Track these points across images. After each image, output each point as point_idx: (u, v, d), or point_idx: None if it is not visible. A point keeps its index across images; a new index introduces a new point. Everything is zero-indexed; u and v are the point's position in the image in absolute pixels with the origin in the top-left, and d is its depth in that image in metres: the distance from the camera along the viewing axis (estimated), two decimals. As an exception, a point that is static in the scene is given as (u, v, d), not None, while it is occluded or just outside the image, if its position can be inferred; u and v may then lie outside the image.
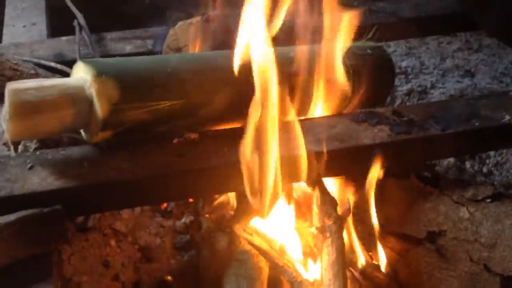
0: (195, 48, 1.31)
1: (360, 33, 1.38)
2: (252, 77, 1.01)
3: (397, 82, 1.70)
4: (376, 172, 1.06)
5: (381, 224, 1.10)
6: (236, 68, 1.05)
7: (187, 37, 1.36)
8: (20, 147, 1.07)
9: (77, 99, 0.97)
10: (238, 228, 1.07)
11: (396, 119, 1.15)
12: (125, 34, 1.53)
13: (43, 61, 1.34)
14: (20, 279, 0.92)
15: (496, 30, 1.68)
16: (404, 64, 1.88)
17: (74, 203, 0.98)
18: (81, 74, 1.01)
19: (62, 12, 1.68)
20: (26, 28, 1.67)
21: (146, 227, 1.30)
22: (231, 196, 1.23)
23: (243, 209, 1.11)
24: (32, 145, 1.07)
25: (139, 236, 1.28)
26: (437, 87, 1.78)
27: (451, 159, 1.42)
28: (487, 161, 1.44)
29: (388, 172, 1.10)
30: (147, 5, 2.18)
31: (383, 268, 1.08)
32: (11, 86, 0.94)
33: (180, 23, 1.40)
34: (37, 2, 1.83)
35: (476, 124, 1.14)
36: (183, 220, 1.34)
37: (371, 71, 1.27)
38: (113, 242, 1.24)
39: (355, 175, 1.15)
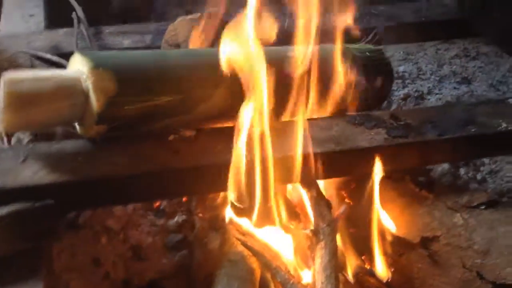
0: (194, 44, 1.30)
1: (359, 36, 1.38)
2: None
3: (394, 86, 1.70)
4: (378, 175, 1.05)
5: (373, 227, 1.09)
6: (226, 66, 1.04)
7: (187, 33, 1.35)
8: (13, 140, 1.06)
9: (73, 91, 0.96)
10: (231, 229, 1.06)
11: (393, 122, 1.15)
12: (123, 28, 1.51)
13: (40, 52, 1.33)
14: (8, 274, 0.91)
15: (495, 38, 1.68)
16: (401, 69, 1.88)
17: (66, 198, 0.97)
18: (78, 66, 1.00)
19: (60, 3, 1.66)
20: (24, 19, 1.65)
21: (138, 225, 1.29)
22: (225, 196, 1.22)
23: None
24: (26, 138, 1.06)
25: (131, 234, 1.27)
26: (433, 93, 1.78)
27: (446, 165, 1.41)
28: (481, 168, 1.43)
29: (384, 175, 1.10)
30: (147, 1, 2.17)
31: (378, 272, 1.07)
32: (7, 77, 0.93)
33: (179, 19, 1.39)
34: (36, -7, 1.81)
35: (473, 130, 1.14)
36: (175, 219, 1.33)
37: (369, 74, 1.27)
38: (104, 240, 1.23)
39: (350, 178, 1.14)
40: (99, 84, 0.96)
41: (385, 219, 1.06)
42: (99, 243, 1.22)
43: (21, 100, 0.92)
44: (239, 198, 0.99)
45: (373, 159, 1.06)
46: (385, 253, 1.05)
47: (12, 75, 0.94)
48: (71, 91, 0.96)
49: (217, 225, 1.23)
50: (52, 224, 0.95)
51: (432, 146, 1.11)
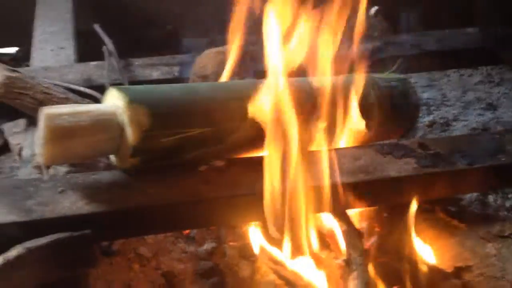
0: (223, 76, 1.33)
1: (383, 65, 1.40)
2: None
3: (419, 113, 1.71)
4: (414, 207, 1.06)
5: (407, 257, 1.09)
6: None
7: (214, 65, 1.38)
8: (51, 171, 1.09)
9: (110, 125, 0.99)
10: (263, 258, 1.07)
11: (422, 152, 1.16)
12: (152, 61, 1.56)
13: (73, 85, 1.37)
14: (49, 303, 0.93)
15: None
16: (426, 95, 1.89)
17: (102, 228, 0.99)
18: (114, 101, 1.03)
19: (88, 36, 1.71)
20: (54, 52, 1.70)
21: (169, 252, 1.31)
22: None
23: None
24: (63, 169, 1.09)
25: (162, 261, 1.28)
26: (459, 119, 1.79)
27: (474, 193, 1.41)
28: (510, 196, 1.43)
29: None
30: (169, 31, 2.22)
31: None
32: (46, 111, 0.96)
33: (207, 51, 1.42)
34: (65, 26, 1.86)
35: (503, 159, 1.14)
36: (205, 246, 1.34)
37: (395, 104, 1.28)
38: (136, 267, 1.25)
39: (381, 207, 1.15)
40: (134, 118, 0.99)
41: (421, 248, 1.06)
42: (132, 270, 1.24)
43: (61, 134, 0.95)
44: (272, 228, 1.01)
45: (403, 188, 1.07)
46: (418, 283, 1.05)
47: (51, 109, 0.97)
48: (107, 125, 0.99)
49: (248, 253, 1.23)
50: (89, 254, 0.97)
51: (462, 176, 1.11)
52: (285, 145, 1.06)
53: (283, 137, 1.06)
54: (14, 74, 1.25)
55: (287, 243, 1.04)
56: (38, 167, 1.10)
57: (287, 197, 1.02)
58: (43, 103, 1.23)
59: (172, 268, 1.26)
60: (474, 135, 1.51)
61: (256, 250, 1.12)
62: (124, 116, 1.00)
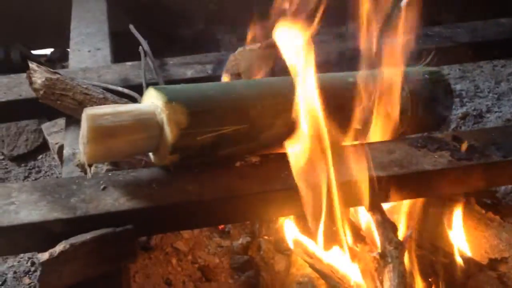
0: (256, 73, 1.35)
1: (417, 58, 1.40)
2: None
3: (451, 105, 1.70)
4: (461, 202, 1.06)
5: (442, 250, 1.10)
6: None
7: (247, 62, 1.40)
8: (92, 169, 1.13)
9: (149, 124, 1.03)
10: (298, 251, 1.09)
11: (456, 145, 1.15)
12: (186, 60, 1.58)
13: (111, 85, 1.40)
14: (93, 296, 0.97)
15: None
16: (458, 87, 1.88)
17: (143, 223, 1.03)
18: (152, 100, 1.07)
19: (123, 37, 1.75)
20: (91, 53, 1.74)
21: (205, 246, 1.34)
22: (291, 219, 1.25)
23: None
24: (104, 167, 1.13)
25: (199, 256, 1.32)
26: (492, 111, 1.77)
27: (509, 185, 1.40)
28: (545, 187, 1.41)
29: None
30: (201, 29, 2.25)
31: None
32: (89, 112, 1.00)
33: (240, 49, 1.44)
34: (101, 27, 1.90)
35: (539, 151, 1.13)
36: (240, 240, 1.37)
37: (428, 97, 1.28)
38: (174, 261, 1.28)
39: (415, 200, 1.15)
40: (173, 117, 1.02)
41: (456, 240, 1.06)
42: (170, 264, 1.27)
43: (103, 133, 0.99)
44: (308, 221, 1.02)
45: (438, 182, 1.07)
46: (453, 276, 1.05)
47: (93, 110, 1.01)
48: (147, 124, 1.02)
49: (282, 247, 1.26)
50: (131, 248, 1.01)
51: (497, 168, 1.11)
52: (318, 139, 1.07)
53: (316, 132, 1.07)
54: (54, 76, 1.29)
55: (322, 236, 1.06)
56: (80, 166, 1.14)
57: (322, 190, 1.04)
58: (82, 103, 1.27)
59: (208, 262, 1.29)
60: (508, 127, 1.50)
61: (291, 244, 1.14)
62: (163, 115, 1.03)
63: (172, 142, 1.03)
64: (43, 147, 1.87)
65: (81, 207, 1.00)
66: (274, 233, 1.31)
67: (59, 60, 2.41)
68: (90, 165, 1.09)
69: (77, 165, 1.15)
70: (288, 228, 1.21)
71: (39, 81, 1.28)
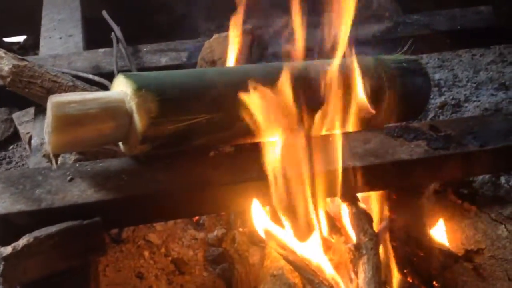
0: (231, 61, 1.32)
1: (393, 46, 1.38)
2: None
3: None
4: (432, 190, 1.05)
5: (418, 241, 1.08)
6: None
7: (222, 50, 1.37)
8: (59, 159, 1.09)
9: (118, 112, 0.99)
10: (272, 243, 1.07)
11: (433, 134, 1.14)
12: (160, 47, 1.54)
13: (81, 73, 1.36)
14: (59, 291, 0.94)
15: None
16: (437, 76, 1.87)
17: (112, 215, 1.00)
18: (121, 88, 1.03)
19: (96, 23, 1.70)
20: (63, 39, 1.69)
21: (179, 239, 1.32)
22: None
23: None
24: (71, 157, 1.09)
25: (172, 248, 1.29)
26: (471, 100, 1.76)
27: (486, 175, 1.39)
28: (523, 177, 1.41)
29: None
30: (179, 16, 2.20)
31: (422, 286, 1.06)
32: (54, 99, 0.96)
33: (215, 36, 1.41)
34: (73, 13, 1.85)
35: (515, 140, 1.12)
36: (215, 232, 1.34)
37: (406, 85, 1.26)
38: (146, 254, 1.25)
39: (391, 191, 1.14)
40: (142, 105, 0.99)
41: (432, 231, 1.05)
42: (142, 257, 1.24)
43: (68, 122, 0.95)
44: (281, 212, 1.00)
45: (414, 171, 1.06)
46: (429, 267, 1.04)
47: (58, 97, 0.97)
48: (116, 113, 0.99)
49: (257, 239, 1.23)
50: (99, 241, 0.98)
51: (474, 158, 1.10)
52: (293, 129, 1.05)
53: (291, 121, 1.05)
54: (22, 63, 1.25)
55: (295, 228, 1.04)
56: (46, 156, 1.10)
57: (295, 181, 1.02)
58: (51, 91, 1.23)
59: (182, 254, 1.27)
60: (486, 116, 1.49)
61: (262, 235, 1.11)
62: (132, 103, 1.00)
63: (142, 131, 0.99)
64: (15, 137, 1.82)
65: (47, 199, 0.97)
66: (249, 225, 1.28)
67: (32, 47, 2.35)
68: (56, 156, 1.05)
69: (44, 156, 1.11)
70: (260, 219, 1.18)
71: (6, 68, 1.24)
